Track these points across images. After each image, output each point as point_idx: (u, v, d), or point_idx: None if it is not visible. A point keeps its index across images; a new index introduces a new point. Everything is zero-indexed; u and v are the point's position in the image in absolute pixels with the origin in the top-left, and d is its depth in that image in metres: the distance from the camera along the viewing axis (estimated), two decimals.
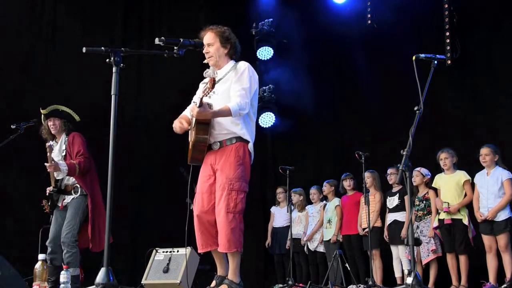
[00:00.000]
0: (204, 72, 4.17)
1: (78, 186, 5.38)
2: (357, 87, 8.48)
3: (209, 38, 4.08)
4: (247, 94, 3.93)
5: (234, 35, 4.18)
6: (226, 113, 3.85)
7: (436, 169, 6.39)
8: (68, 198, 5.41)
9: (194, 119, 3.95)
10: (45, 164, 5.24)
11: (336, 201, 7.48)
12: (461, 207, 5.96)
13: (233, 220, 3.86)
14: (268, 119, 8.54)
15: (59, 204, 5.41)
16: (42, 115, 5.53)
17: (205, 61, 4.14)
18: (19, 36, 7.69)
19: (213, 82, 3.72)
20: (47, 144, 5.28)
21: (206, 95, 3.77)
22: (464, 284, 5.89)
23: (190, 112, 4.00)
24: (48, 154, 5.22)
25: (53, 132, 5.53)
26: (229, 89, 3.98)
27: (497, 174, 5.76)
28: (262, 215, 8.57)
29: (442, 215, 6.04)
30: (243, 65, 4.06)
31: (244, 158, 3.98)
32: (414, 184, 6.40)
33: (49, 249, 5.30)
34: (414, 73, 3.64)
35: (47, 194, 5.43)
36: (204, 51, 4.09)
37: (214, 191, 3.99)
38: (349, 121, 8.75)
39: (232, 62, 4.13)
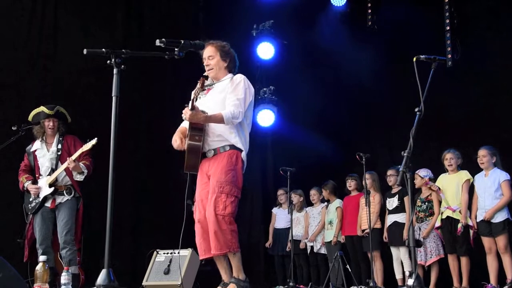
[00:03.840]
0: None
1: (71, 187, 5.44)
2: (357, 88, 8.48)
3: (210, 51, 4.23)
4: (241, 104, 4.05)
5: (233, 50, 4.33)
6: (218, 119, 3.97)
7: (436, 170, 6.38)
8: (60, 198, 5.44)
9: (188, 125, 4.02)
10: (69, 159, 5.32)
11: (337, 202, 7.47)
12: (461, 207, 5.96)
13: (222, 222, 3.88)
14: (268, 120, 8.53)
15: (48, 205, 5.42)
16: (42, 113, 5.54)
17: (205, 74, 4.23)
18: (19, 37, 7.68)
19: (203, 82, 3.91)
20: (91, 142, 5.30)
21: (196, 97, 3.95)
22: (465, 285, 5.88)
23: (183, 115, 4.05)
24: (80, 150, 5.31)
25: (49, 132, 5.56)
26: (225, 99, 4.08)
27: (494, 176, 5.75)
28: (262, 216, 8.56)
29: (445, 214, 6.03)
30: (239, 77, 4.19)
31: (236, 165, 4.05)
32: (416, 186, 6.40)
33: (40, 251, 5.30)
34: (414, 74, 3.65)
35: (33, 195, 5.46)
36: (204, 64, 4.25)
37: None
38: (350, 122, 8.76)
39: (230, 75, 4.25)
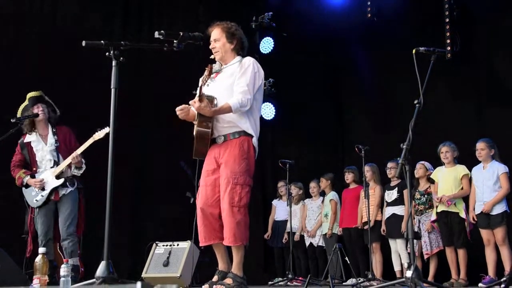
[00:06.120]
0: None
1: (73, 179, 5.45)
2: (357, 80, 8.49)
3: (216, 34, 4.15)
4: (250, 90, 3.97)
5: (241, 31, 4.22)
6: (227, 110, 3.91)
7: (435, 164, 6.39)
8: (64, 190, 5.41)
9: (197, 112, 3.97)
10: (74, 154, 5.30)
11: (331, 195, 7.49)
12: (457, 200, 5.96)
13: (238, 214, 3.88)
14: (268, 112, 8.54)
15: (52, 197, 5.40)
16: (29, 100, 5.49)
17: (212, 57, 4.17)
18: (18, 30, 7.66)
19: (210, 70, 3.81)
20: (104, 131, 5.26)
21: (204, 84, 3.83)
22: (463, 277, 5.90)
23: (191, 105, 4.01)
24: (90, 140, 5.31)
25: (41, 117, 5.46)
26: (233, 84, 4.01)
27: (493, 168, 5.74)
28: (261, 208, 8.58)
29: (440, 208, 6.05)
30: (248, 60, 4.09)
31: (248, 153, 4.00)
32: (416, 176, 6.40)
33: (43, 243, 5.30)
34: (414, 66, 3.64)
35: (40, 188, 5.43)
36: (210, 46, 4.16)
37: (218, 184, 4.00)
38: (349, 114, 8.76)
39: (238, 58, 4.16)
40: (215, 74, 4.09)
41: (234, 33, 4.16)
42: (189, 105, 4.03)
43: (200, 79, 3.93)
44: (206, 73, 3.81)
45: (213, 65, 4.13)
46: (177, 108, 4.07)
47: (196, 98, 3.83)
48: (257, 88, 4.05)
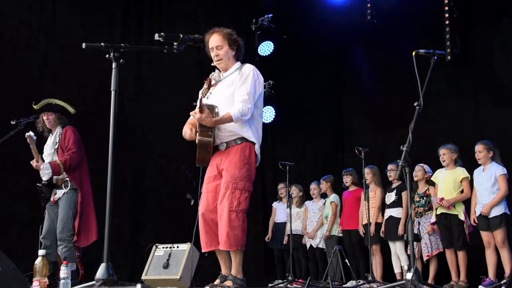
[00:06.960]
0: (210, 76, 4.17)
1: (68, 180, 5.38)
2: (357, 82, 8.50)
3: (217, 41, 4.08)
4: (250, 99, 3.95)
5: (239, 37, 4.19)
6: (228, 120, 3.90)
7: (436, 166, 6.39)
8: (59, 193, 5.40)
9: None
10: (31, 162, 5.29)
11: (332, 197, 7.49)
12: (457, 202, 5.96)
13: (236, 219, 3.85)
14: (268, 115, 8.54)
15: (51, 199, 5.41)
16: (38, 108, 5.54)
17: (213, 64, 4.14)
18: (18, 31, 7.67)
19: (209, 83, 3.78)
20: (26, 134, 5.28)
21: (204, 96, 3.82)
22: (463, 279, 5.89)
23: (192, 116, 4.01)
24: (31, 147, 5.26)
25: (48, 126, 5.54)
26: (234, 93, 3.99)
27: (491, 170, 5.74)
28: (261, 211, 8.58)
29: (440, 210, 6.05)
30: (248, 68, 4.06)
31: (249, 159, 3.99)
32: (415, 179, 6.40)
33: (43, 245, 5.29)
34: (414, 68, 3.64)
35: (38, 188, 5.43)
36: (213, 54, 4.11)
37: (219, 190, 3.99)
38: (349, 117, 8.76)
39: (238, 64, 4.14)
40: (215, 84, 4.07)
41: (236, 39, 4.13)
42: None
43: (200, 92, 3.93)
44: (205, 86, 3.79)
45: (212, 75, 4.10)
46: (186, 134, 4.09)
47: (197, 109, 3.82)
48: (257, 96, 4.04)
